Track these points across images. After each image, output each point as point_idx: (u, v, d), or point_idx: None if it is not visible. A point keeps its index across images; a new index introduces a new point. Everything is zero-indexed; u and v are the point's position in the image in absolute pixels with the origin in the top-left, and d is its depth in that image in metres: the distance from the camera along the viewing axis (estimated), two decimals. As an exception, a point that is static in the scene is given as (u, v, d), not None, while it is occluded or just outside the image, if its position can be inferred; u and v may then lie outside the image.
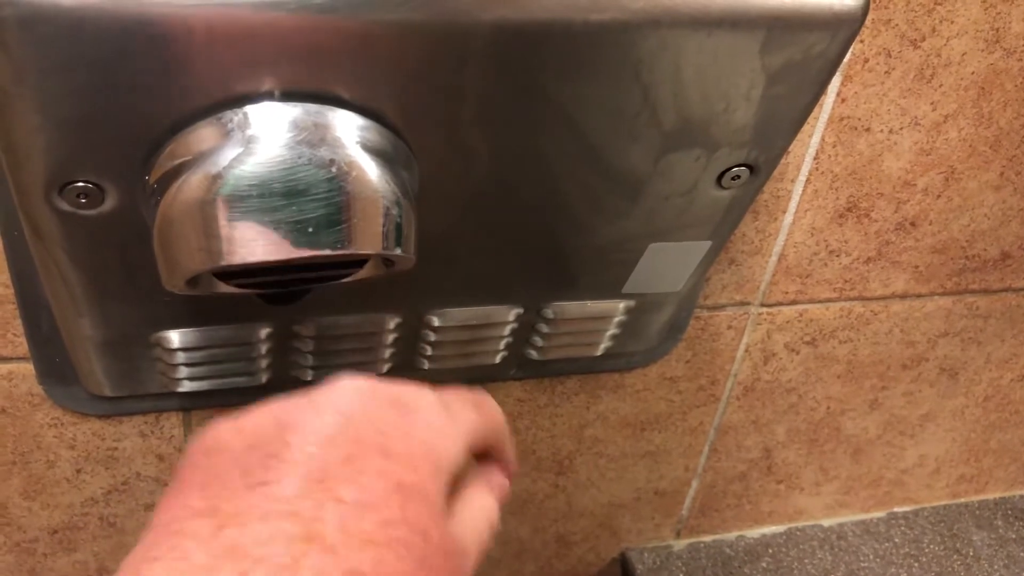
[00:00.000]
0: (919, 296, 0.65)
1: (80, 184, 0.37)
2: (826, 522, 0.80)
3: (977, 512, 0.84)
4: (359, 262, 0.40)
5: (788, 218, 0.57)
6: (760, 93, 0.40)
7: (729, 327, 0.62)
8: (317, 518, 0.25)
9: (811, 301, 0.62)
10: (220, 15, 0.32)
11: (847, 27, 0.38)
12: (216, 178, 0.34)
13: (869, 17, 0.49)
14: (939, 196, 0.59)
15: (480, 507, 0.32)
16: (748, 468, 0.73)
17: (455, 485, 0.31)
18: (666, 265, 0.50)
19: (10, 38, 0.31)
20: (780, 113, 0.42)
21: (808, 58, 0.39)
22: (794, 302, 0.62)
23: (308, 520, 0.25)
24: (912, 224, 0.60)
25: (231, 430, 0.30)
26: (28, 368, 0.50)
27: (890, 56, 0.51)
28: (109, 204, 0.38)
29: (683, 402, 0.65)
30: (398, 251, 0.38)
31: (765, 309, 0.61)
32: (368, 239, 0.37)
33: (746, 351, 0.63)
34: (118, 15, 0.31)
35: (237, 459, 0.28)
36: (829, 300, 0.62)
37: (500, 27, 0.35)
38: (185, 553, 0.25)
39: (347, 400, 0.30)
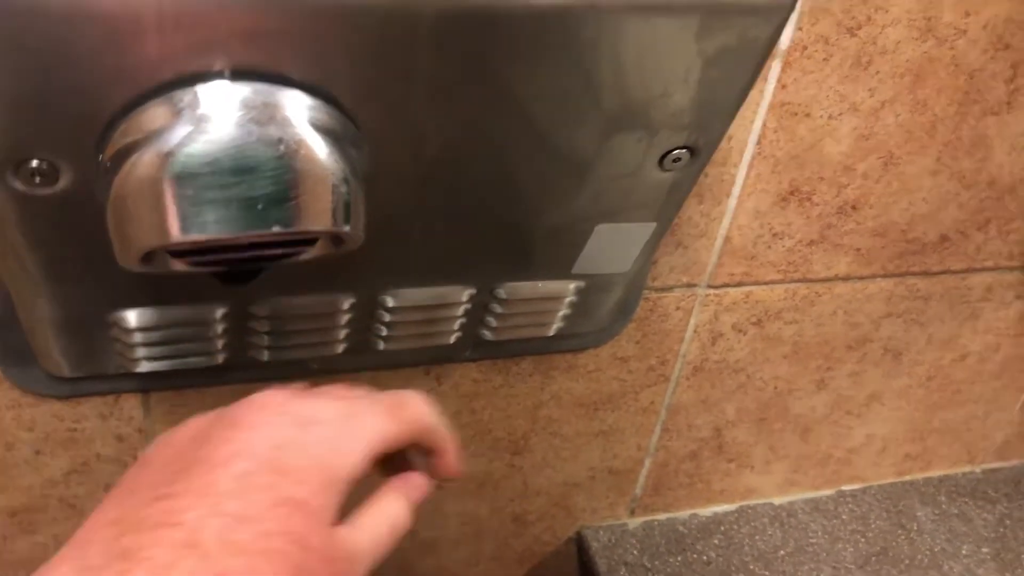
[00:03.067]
0: (861, 278, 0.67)
1: (35, 163, 0.37)
2: (776, 500, 0.83)
3: (922, 489, 0.87)
4: (309, 240, 0.41)
5: (732, 202, 0.58)
6: (697, 77, 0.42)
7: (677, 308, 0.63)
8: (200, 528, 0.29)
9: (756, 283, 0.64)
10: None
11: (779, 13, 0.40)
12: (167, 156, 0.35)
13: (807, 5, 0.51)
14: (878, 180, 0.61)
15: (383, 511, 0.36)
16: (699, 447, 0.75)
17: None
18: (614, 246, 0.52)
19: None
20: (717, 96, 0.43)
21: (742, 43, 0.41)
22: (740, 284, 0.63)
23: (192, 530, 0.29)
24: (853, 208, 0.62)
25: (163, 443, 0.34)
26: (-15, 349, 0.50)
27: (828, 44, 0.53)
28: (64, 183, 0.39)
29: (634, 382, 0.67)
30: (346, 228, 0.39)
31: (712, 290, 0.63)
32: (317, 217, 0.38)
33: (694, 332, 0.65)
34: (70, -4, 0.32)
35: (156, 472, 0.32)
36: (774, 282, 0.64)
37: (446, 10, 0.36)
38: (86, 555, 0.29)
39: (251, 418, 0.33)
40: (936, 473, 0.89)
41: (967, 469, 0.90)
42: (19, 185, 0.38)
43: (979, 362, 0.78)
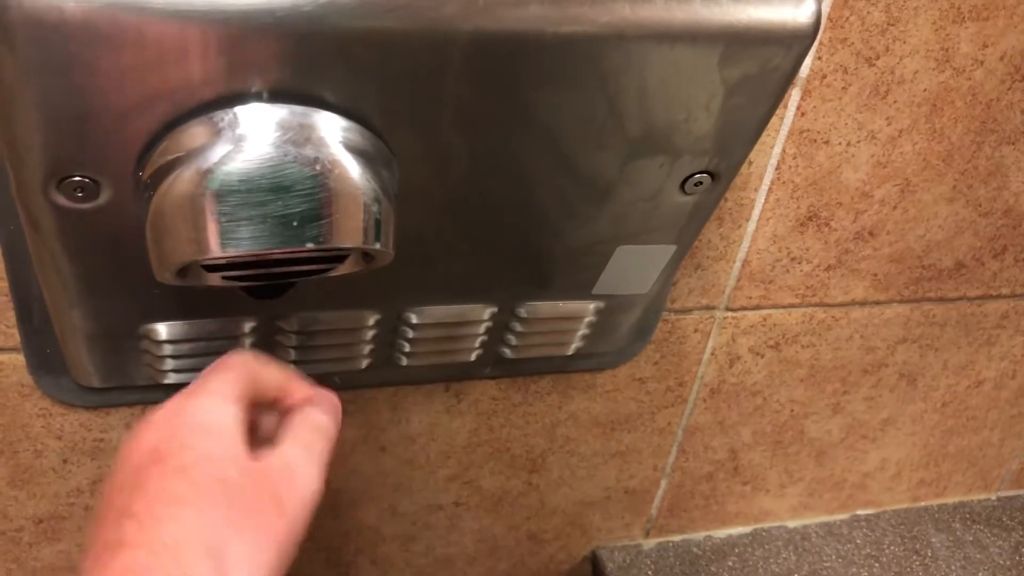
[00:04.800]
0: (878, 303, 0.68)
1: (77, 179, 0.39)
2: (791, 523, 0.83)
3: (936, 515, 0.87)
4: (340, 257, 0.42)
5: (751, 225, 0.59)
6: (720, 104, 0.43)
7: (695, 330, 0.64)
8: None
9: (774, 306, 0.65)
10: (213, 20, 0.34)
11: (800, 42, 0.41)
12: (206, 173, 0.37)
13: (826, 35, 0.52)
14: (895, 207, 0.62)
15: (302, 422, 0.41)
16: (715, 469, 0.75)
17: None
18: (634, 267, 0.53)
19: (15, 37, 0.33)
20: (739, 123, 0.44)
21: (764, 71, 0.42)
22: (758, 307, 0.64)
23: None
24: (870, 233, 0.63)
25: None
26: (19, 359, 0.52)
27: (847, 73, 0.54)
28: (104, 198, 0.40)
29: (651, 403, 0.68)
30: (377, 246, 0.40)
31: (730, 313, 0.64)
32: (349, 234, 0.39)
33: (712, 354, 0.66)
34: (117, 19, 0.34)
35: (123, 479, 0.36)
36: (792, 306, 0.65)
37: (476, 37, 0.37)
38: None
39: (156, 424, 0.37)
40: (951, 499, 0.89)
41: (982, 496, 0.90)
42: (61, 200, 0.39)
43: (995, 388, 0.79)
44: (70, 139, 0.37)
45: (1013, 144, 0.61)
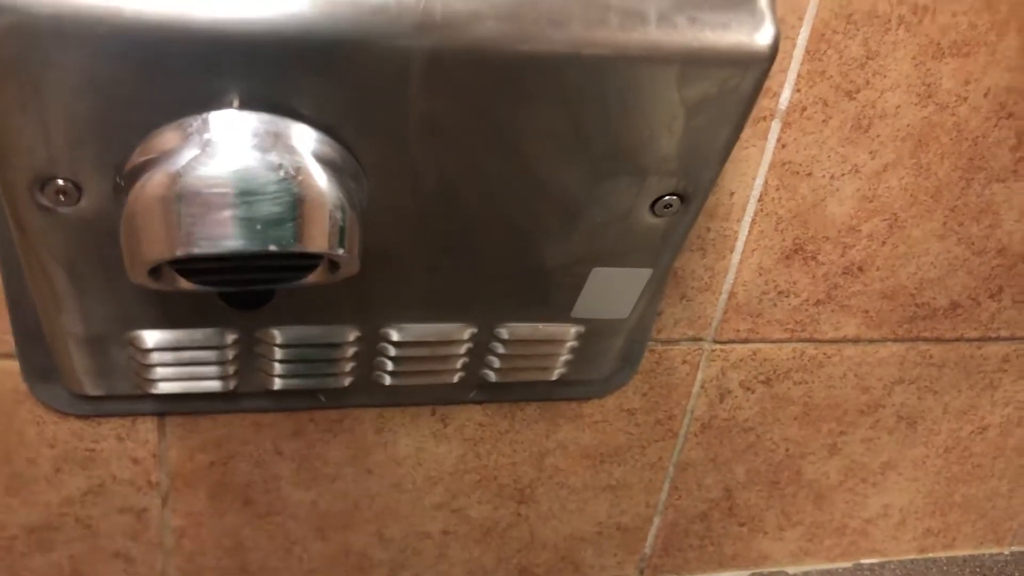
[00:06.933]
0: (871, 341, 0.67)
1: (60, 182, 0.41)
2: (791, 569, 0.81)
3: (945, 568, 0.85)
4: (310, 266, 0.43)
5: (736, 257, 0.60)
6: (682, 124, 0.44)
7: (684, 362, 0.64)
8: None
9: (763, 340, 0.65)
10: (187, 31, 0.37)
11: (758, 65, 0.42)
12: (175, 176, 0.39)
13: (804, 68, 0.53)
14: (884, 242, 0.62)
15: None
16: (709, 508, 0.74)
17: None
18: (611, 291, 0.54)
19: (1, 42, 0.35)
20: (703, 145, 0.45)
21: (723, 92, 0.43)
22: (746, 340, 0.64)
23: None
24: (859, 269, 0.63)
25: None
26: (14, 365, 0.54)
27: (827, 105, 0.55)
28: (85, 202, 0.42)
29: (641, 435, 0.68)
30: (340, 251, 0.41)
31: (718, 346, 0.64)
32: (313, 239, 0.40)
33: (702, 387, 0.66)
34: (98, 27, 0.36)
35: None
36: (781, 340, 0.65)
37: (435, 53, 0.39)
38: None
39: None
40: (961, 552, 0.86)
41: (994, 550, 0.87)
42: (45, 202, 0.42)
43: (1000, 436, 0.77)
44: (52, 142, 0.39)
45: (1003, 182, 0.61)
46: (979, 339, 0.70)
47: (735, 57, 0.42)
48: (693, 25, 0.41)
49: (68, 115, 0.38)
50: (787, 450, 0.72)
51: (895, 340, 0.68)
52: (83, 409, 0.56)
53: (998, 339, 0.70)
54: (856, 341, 0.67)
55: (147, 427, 0.58)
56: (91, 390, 0.54)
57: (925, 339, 0.68)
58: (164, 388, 0.54)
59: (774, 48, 0.42)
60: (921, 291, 0.65)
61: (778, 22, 0.42)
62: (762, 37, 0.42)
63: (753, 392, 0.68)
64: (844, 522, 0.79)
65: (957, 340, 0.69)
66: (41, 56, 0.36)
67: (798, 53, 0.52)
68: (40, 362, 0.54)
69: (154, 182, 0.39)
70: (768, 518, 0.77)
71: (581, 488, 0.70)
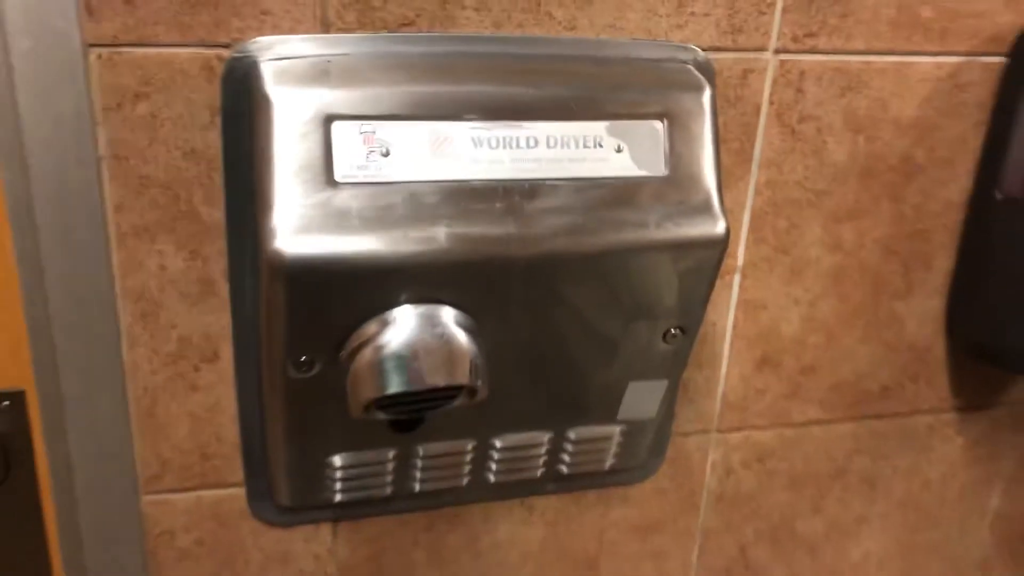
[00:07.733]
0: (830, 422, 0.92)
1: (303, 358, 0.67)
2: (801, 614, 1.03)
3: (923, 603, 1.06)
4: (454, 396, 0.69)
5: (723, 369, 0.86)
6: (677, 284, 0.71)
7: (697, 449, 0.89)
8: None
9: (752, 428, 0.90)
10: (378, 261, 0.63)
11: (718, 244, 0.69)
12: (379, 348, 0.65)
13: (751, 236, 0.81)
14: (826, 350, 0.88)
15: None
16: (731, 564, 0.97)
17: None
18: (642, 398, 0.79)
19: (281, 273, 0.62)
20: (691, 295, 0.72)
21: (700, 263, 0.70)
22: (740, 429, 0.89)
23: None
24: (812, 370, 0.89)
25: None
26: (241, 491, 0.78)
27: (770, 261, 0.82)
28: (315, 371, 0.68)
29: (673, 510, 0.92)
30: (478, 383, 0.67)
31: (720, 435, 0.89)
32: (462, 375, 0.66)
33: (712, 467, 0.91)
34: (330, 264, 0.63)
35: None
36: (765, 427, 0.90)
37: (531, 257, 0.66)
38: None
39: None
40: (934, 590, 1.08)
41: (961, 587, 1.10)
42: (292, 372, 0.67)
43: (942, 488, 1.01)
44: (299, 334, 0.66)
45: (902, 299, 0.88)
46: (909, 413, 0.95)
47: (704, 242, 0.69)
48: (678, 227, 0.68)
49: (309, 317, 0.65)
50: (781, 512, 0.96)
51: (847, 420, 0.93)
52: (283, 519, 0.80)
53: (924, 412, 0.95)
54: (819, 423, 0.92)
55: (325, 530, 0.82)
56: (289, 503, 0.78)
57: (868, 416, 0.93)
58: (341, 498, 0.78)
59: (727, 233, 0.69)
60: (859, 381, 0.91)
61: (728, 215, 0.70)
62: (719, 229, 0.69)
63: (750, 468, 0.92)
64: (838, 568, 1.02)
65: (893, 415, 0.94)
66: (300, 280, 0.63)
67: (744, 230, 0.80)
68: (259, 487, 0.78)
69: (367, 353, 0.65)
70: (776, 570, 1.00)
71: (632, 556, 0.93)
